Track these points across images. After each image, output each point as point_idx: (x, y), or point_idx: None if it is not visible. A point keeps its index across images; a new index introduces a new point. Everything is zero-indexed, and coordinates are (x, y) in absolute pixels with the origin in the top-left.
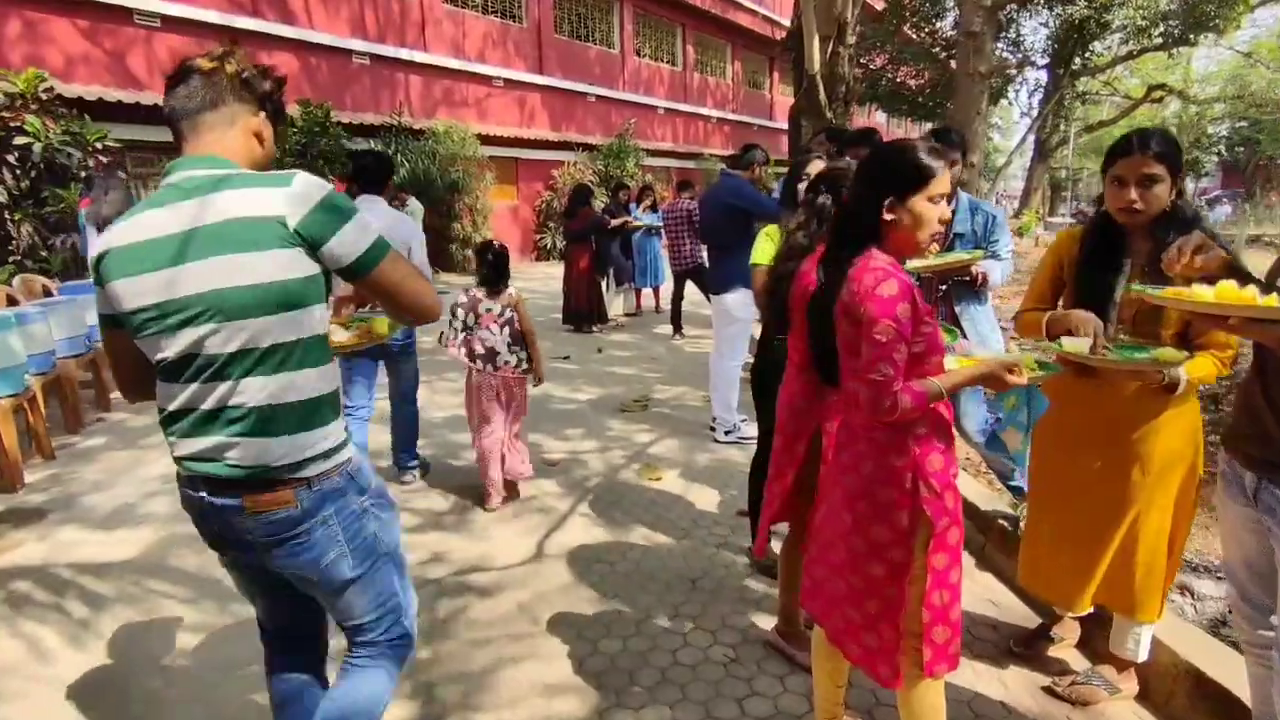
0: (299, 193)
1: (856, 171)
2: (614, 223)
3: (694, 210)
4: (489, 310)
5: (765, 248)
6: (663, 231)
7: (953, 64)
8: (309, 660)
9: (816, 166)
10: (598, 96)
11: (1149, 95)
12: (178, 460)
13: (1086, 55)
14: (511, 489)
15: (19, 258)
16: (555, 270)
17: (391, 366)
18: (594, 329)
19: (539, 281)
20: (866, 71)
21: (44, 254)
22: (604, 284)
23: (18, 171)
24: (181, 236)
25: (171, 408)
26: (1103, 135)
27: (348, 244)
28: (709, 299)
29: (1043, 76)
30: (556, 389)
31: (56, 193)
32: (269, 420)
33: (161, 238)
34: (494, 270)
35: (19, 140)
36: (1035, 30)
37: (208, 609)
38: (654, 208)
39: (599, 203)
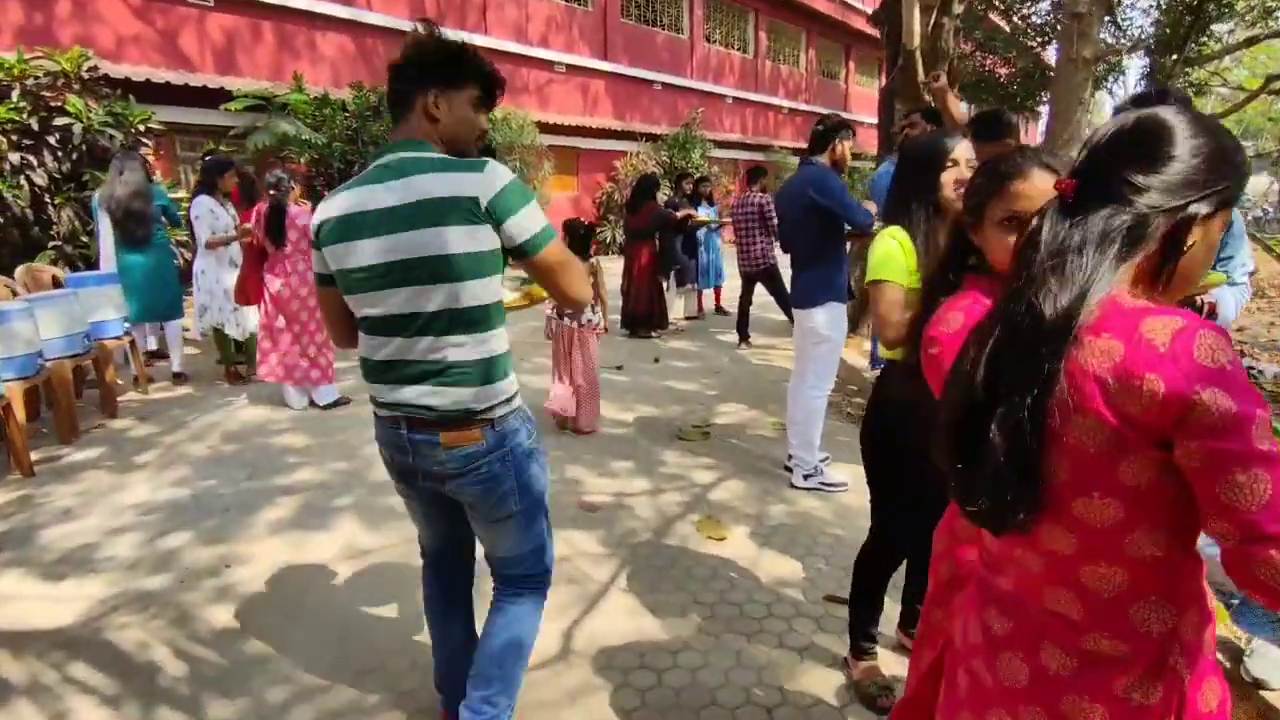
0: (488, 178)
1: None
2: (679, 215)
3: (767, 205)
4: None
5: (892, 257)
6: (729, 228)
7: (1044, 52)
8: (459, 580)
9: (965, 150)
10: (664, 84)
11: (1267, 86)
12: (378, 404)
13: (1202, 40)
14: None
15: (59, 243)
16: (613, 265)
17: None
18: (653, 334)
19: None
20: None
21: (84, 239)
22: (665, 284)
23: (59, 154)
24: (392, 209)
25: (377, 357)
26: None
27: (524, 225)
28: (785, 309)
29: (1147, 64)
30: (605, 407)
31: (98, 176)
32: (466, 372)
33: (374, 209)
34: (582, 242)
35: (60, 121)
36: (1147, 12)
37: (128, 713)
38: (710, 200)
39: (663, 196)
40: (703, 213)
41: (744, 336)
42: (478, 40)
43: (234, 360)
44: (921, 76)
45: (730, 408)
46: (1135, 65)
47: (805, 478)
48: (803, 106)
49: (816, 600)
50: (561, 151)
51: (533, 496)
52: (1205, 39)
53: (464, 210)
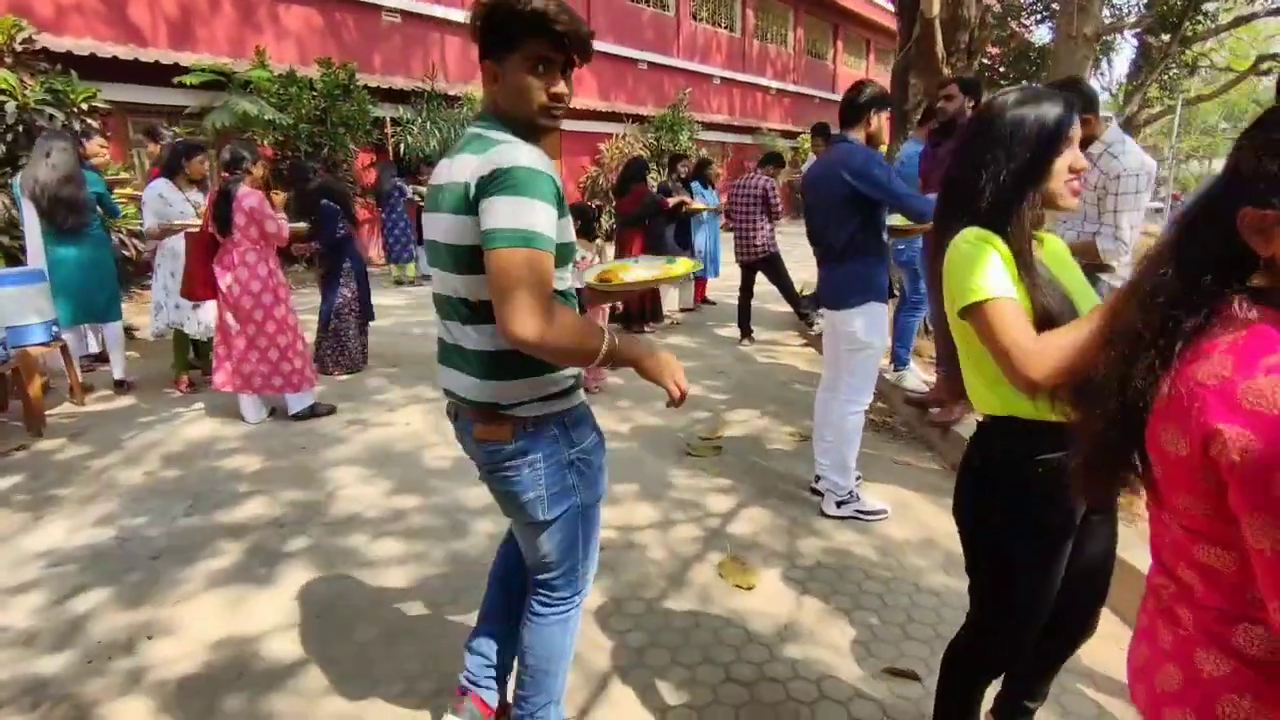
0: (484, 161)
1: None
2: (671, 202)
3: (770, 188)
4: (583, 256)
5: (997, 266)
6: (726, 214)
7: (1029, 33)
8: (520, 565)
9: (1078, 127)
10: (650, 64)
11: (1255, 66)
12: None
13: (1197, 19)
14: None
15: None
16: (607, 253)
17: None
18: (647, 328)
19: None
20: None
21: (21, 231)
22: None
23: None
24: (438, 188)
25: (438, 334)
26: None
27: (493, 214)
28: (791, 301)
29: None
30: (602, 417)
31: None
32: (487, 364)
33: (434, 184)
34: (588, 225)
35: None
36: None
37: None
38: (710, 184)
39: (654, 180)
40: (702, 198)
41: (746, 331)
42: (454, 15)
43: (189, 365)
44: (941, 48)
45: (741, 415)
46: (1125, 46)
47: (839, 505)
48: (790, 87)
49: (875, 673)
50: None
51: (566, 510)
52: (1202, 16)
53: (459, 198)
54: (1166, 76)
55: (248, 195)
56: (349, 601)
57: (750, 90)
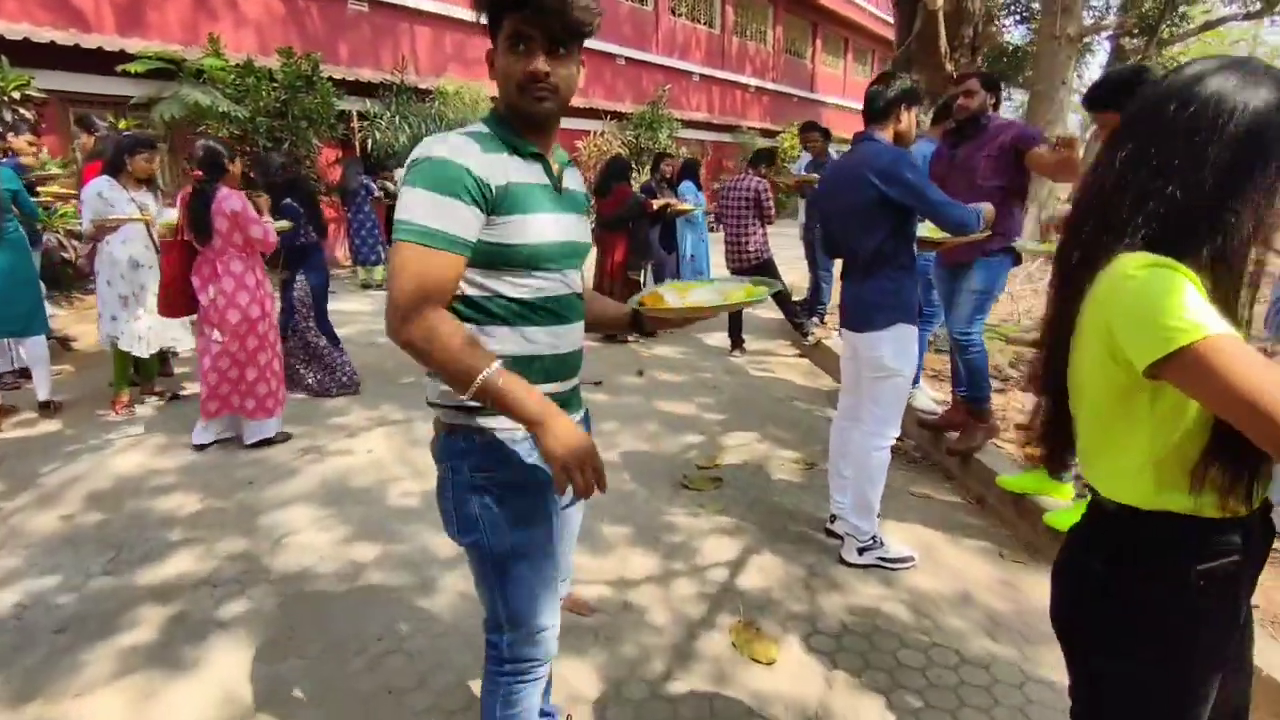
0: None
1: None
2: (655, 204)
3: (763, 190)
4: None
5: (1180, 290)
6: (714, 216)
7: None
8: None
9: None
10: (628, 59)
11: None
12: None
13: (1173, 22)
14: None
15: None
16: None
17: None
18: (630, 339)
19: None
20: None
21: None
22: (641, 280)
23: None
24: None
25: None
26: None
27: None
28: (785, 310)
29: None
30: None
31: None
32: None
33: None
34: None
35: None
36: None
37: None
38: (698, 183)
39: (634, 180)
40: (689, 199)
41: (737, 342)
42: (425, 5)
43: (129, 382)
44: (945, 43)
45: (738, 438)
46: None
47: (860, 552)
48: (770, 85)
49: None
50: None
51: (473, 542)
52: (1179, 20)
53: None
54: None
55: (228, 197)
56: (291, 689)
57: (730, 88)
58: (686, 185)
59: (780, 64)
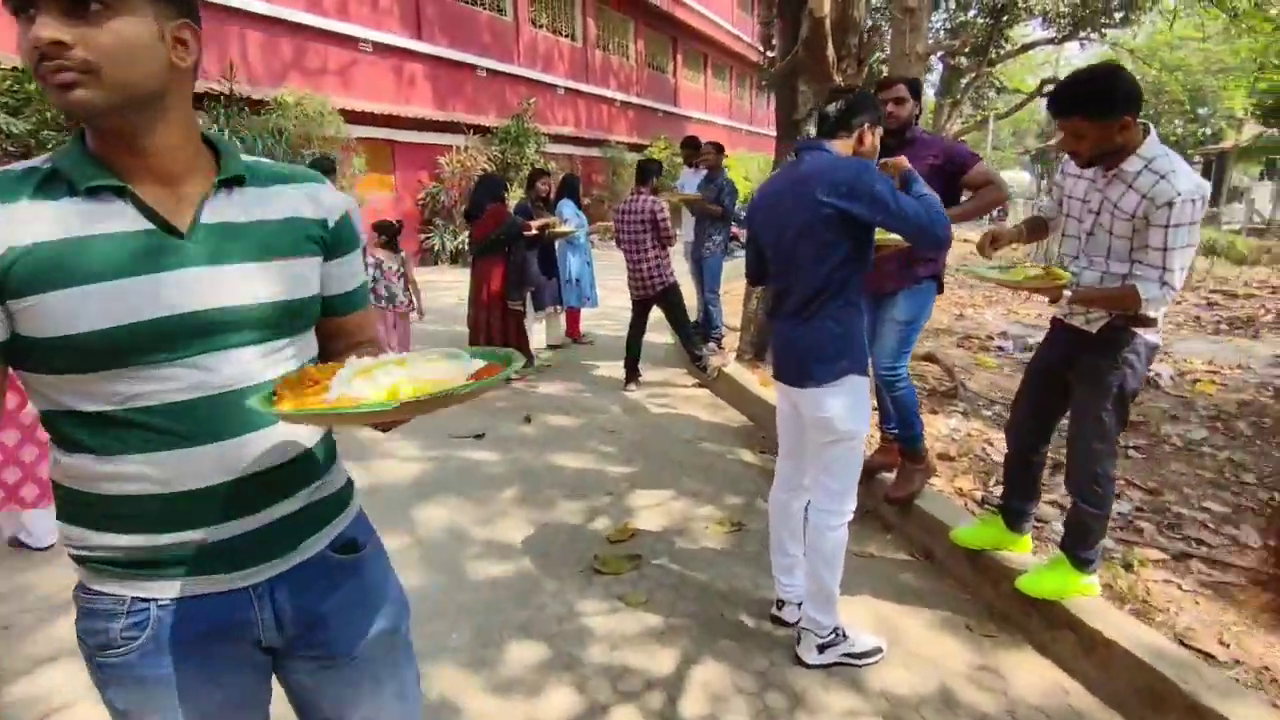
0: None
1: None
2: (535, 225)
3: (659, 210)
4: (390, 267)
5: None
6: (616, 240)
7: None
8: None
9: None
10: (489, 70)
11: (1041, 89)
12: None
13: (1000, 42)
14: None
15: None
16: (448, 277)
17: None
18: (513, 377)
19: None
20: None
21: None
22: (522, 308)
23: None
24: None
25: None
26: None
27: None
28: (687, 343)
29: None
30: (471, 511)
31: None
32: None
33: None
34: (393, 239)
35: None
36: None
37: None
38: (578, 202)
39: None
40: (568, 219)
41: (633, 374)
42: (256, 6)
43: None
44: (832, 52)
45: (650, 496)
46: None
47: (822, 649)
48: (635, 99)
49: None
50: (374, 145)
51: None
52: (1005, 41)
53: None
54: (977, 94)
55: None
56: None
57: (596, 102)
58: (565, 204)
59: (644, 78)
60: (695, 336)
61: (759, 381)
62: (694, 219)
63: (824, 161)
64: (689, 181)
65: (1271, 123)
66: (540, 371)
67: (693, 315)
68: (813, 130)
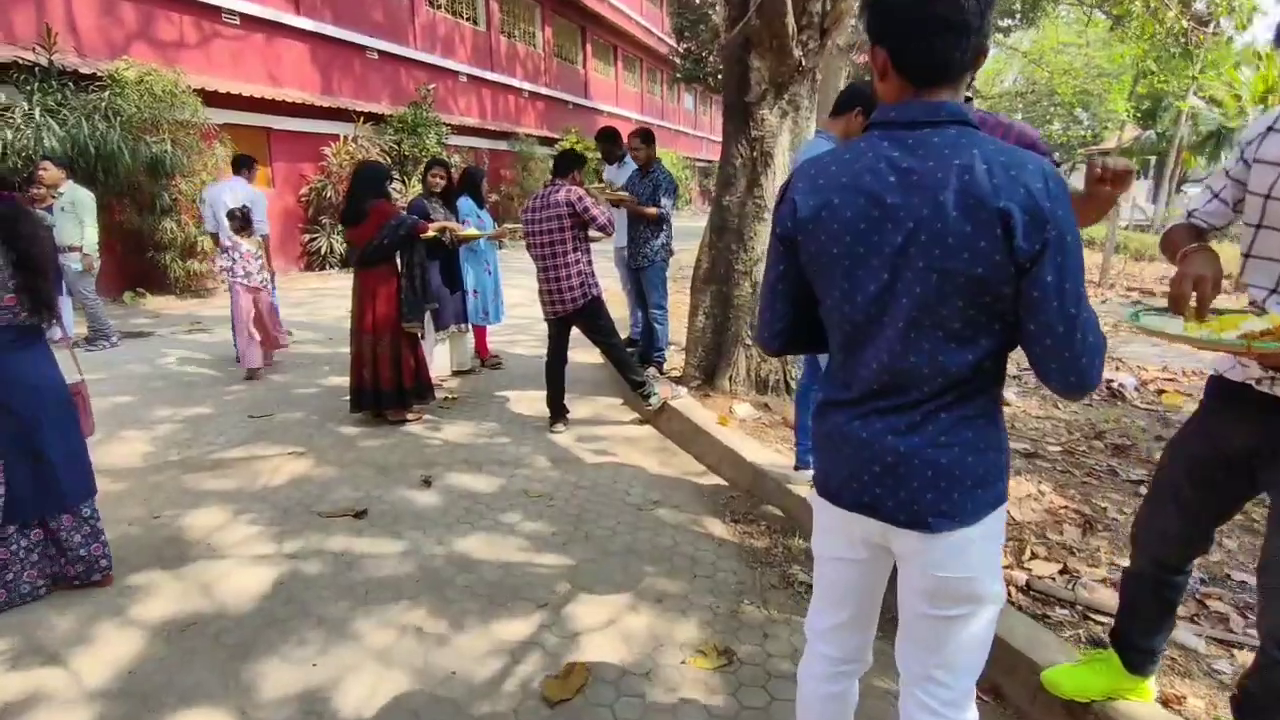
0: None
1: None
2: (432, 228)
3: (577, 202)
4: (248, 250)
5: None
6: (527, 247)
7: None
8: None
9: None
10: (381, 52)
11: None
12: None
13: None
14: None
15: None
16: (335, 284)
17: None
18: (410, 417)
19: (307, 310)
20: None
21: None
22: (419, 332)
23: None
24: None
25: None
26: None
27: None
28: (622, 368)
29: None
30: (333, 662)
31: None
32: None
33: None
34: (247, 224)
35: None
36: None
37: None
38: (479, 199)
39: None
40: (473, 222)
41: (559, 412)
42: None
43: None
44: (791, 20)
45: (599, 607)
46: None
47: None
48: (544, 90)
49: None
50: (244, 132)
51: None
52: None
53: None
54: None
55: None
56: None
57: (502, 91)
58: (464, 201)
59: (553, 68)
60: (632, 359)
61: (716, 419)
62: (627, 220)
63: (1007, 154)
64: (614, 180)
65: (1149, 124)
66: (445, 407)
67: (622, 332)
68: (779, 113)
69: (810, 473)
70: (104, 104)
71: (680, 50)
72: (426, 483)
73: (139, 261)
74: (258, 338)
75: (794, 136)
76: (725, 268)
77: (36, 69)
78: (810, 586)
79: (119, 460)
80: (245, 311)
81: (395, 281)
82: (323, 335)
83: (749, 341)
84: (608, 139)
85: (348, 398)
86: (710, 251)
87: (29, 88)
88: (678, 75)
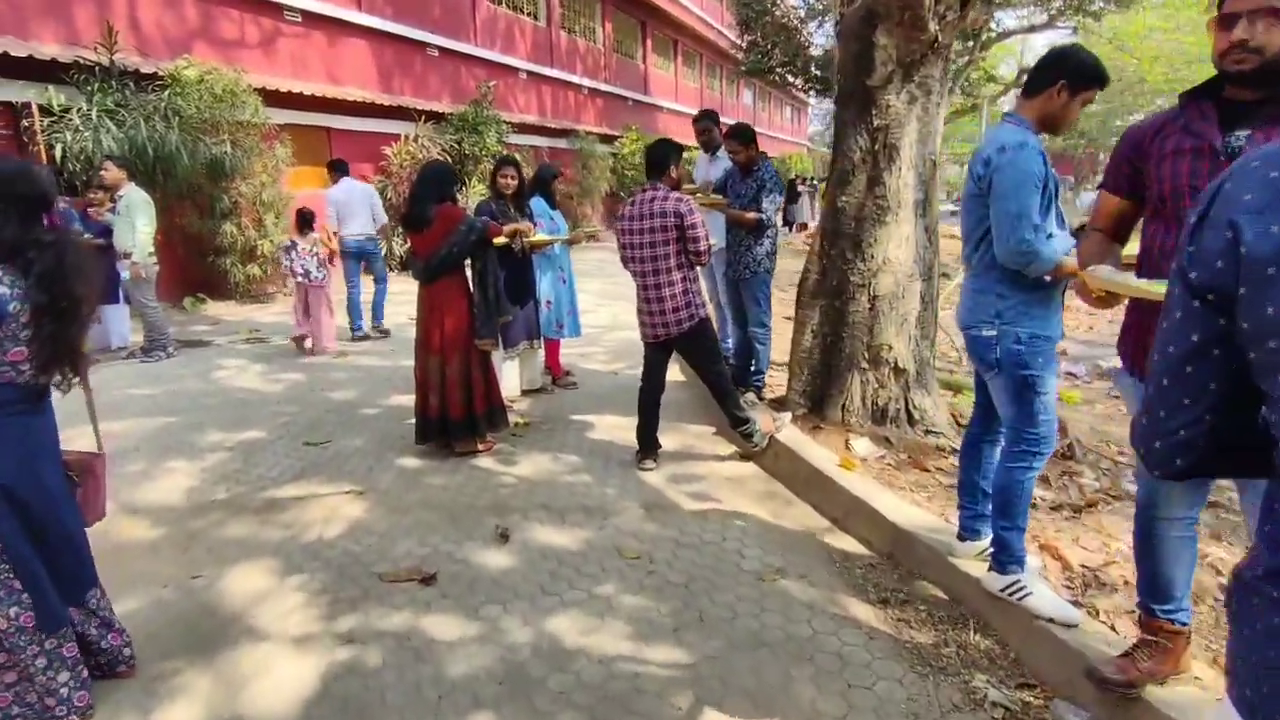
0: None
1: None
2: (506, 230)
3: (687, 214)
4: (305, 248)
5: None
6: (623, 261)
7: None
8: None
9: None
10: (442, 49)
11: (1019, 80)
12: None
13: (990, 29)
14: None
15: None
16: (394, 288)
17: None
18: (480, 449)
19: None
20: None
21: None
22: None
23: None
24: None
25: None
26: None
27: None
28: (726, 405)
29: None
30: None
31: None
32: None
33: None
34: (308, 224)
35: None
36: None
37: None
38: (550, 199)
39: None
40: (546, 225)
41: (649, 448)
42: None
43: None
44: None
45: None
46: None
47: None
48: (603, 86)
49: None
50: (304, 132)
51: None
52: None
53: None
54: (967, 81)
55: None
56: None
57: (561, 88)
58: (537, 203)
59: (613, 64)
60: (735, 391)
61: (837, 459)
62: (725, 224)
63: None
64: (707, 175)
65: None
66: (517, 434)
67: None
68: (906, 99)
69: (979, 545)
70: (164, 104)
71: (744, 43)
72: (503, 537)
73: (200, 266)
74: (322, 321)
75: (922, 127)
76: (838, 279)
77: (97, 69)
78: (1008, 709)
79: (161, 497)
80: (306, 304)
81: (466, 294)
82: (386, 345)
83: (865, 364)
84: (708, 119)
85: (412, 421)
86: (820, 260)
87: (90, 88)
88: (741, 68)
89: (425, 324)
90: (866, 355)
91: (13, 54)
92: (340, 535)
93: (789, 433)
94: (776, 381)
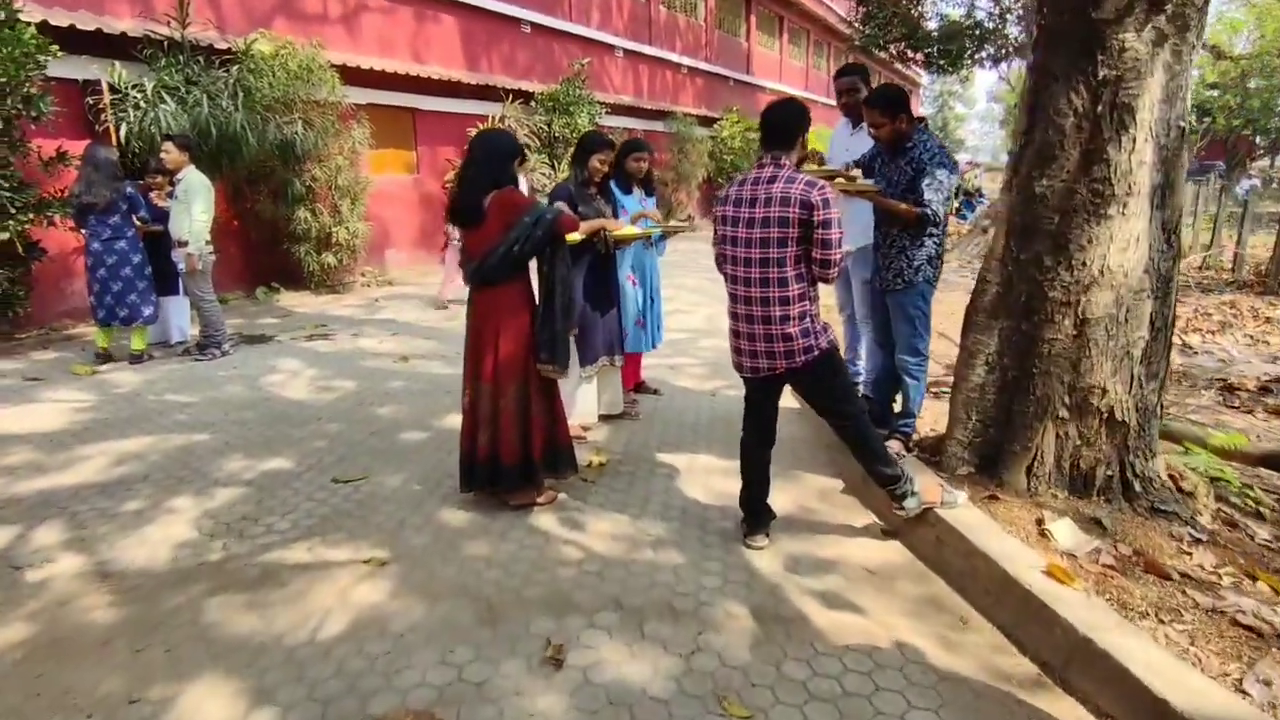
0: None
1: None
2: (582, 227)
3: (820, 204)
4: None
5: None
6: (717, 261)
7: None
8: None
9: None
10: (535, 25)
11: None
12: None
13: None
14: None
15: None
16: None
17: None
18: (539, 502)
19: (441, 315)
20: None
21: None
22: (552, 367)
23: None
24: None
25: None
26: None
27: None
28: (864, 454)
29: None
30: None
31: None
32: None
33: None
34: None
35: None
36: None
37: None
38: (648, 188)
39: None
40: (628, 211)
41: (760, 519)
42: None
43: None
44: None
45: None
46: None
47: None
48: (704, 65)
49: None
50: (386, 113)
51: None
52: None
53: None
54: None
55: None
56: None
57: (659, 66)
58: (630, 195)
59: (714, 41)
60: (878, 439)
61: (1042, 563)
62: (872, 218)
63: None
64: (839, 147)
65: None
66: (588, 480)
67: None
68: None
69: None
70: (232, 81)
71: (859, 15)
72: (556, 663)
73: (274, 254)
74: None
75: (1170, 80)
76: (1029, 294)
77: (166, 44)
78: None
79: (145, 555)
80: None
81: (528, 304)
82: (451, 350)
83: (1064, 412)
84: (855, 74)
85: (457, 453)
86: (1003, 267)
87: (159, 64)
88: (855, 43)
89: (476, 342)
90: (1067, 400)
91: (80, 27)
92: (341, 637)
93: (962, 513)
94: (924, 423)
